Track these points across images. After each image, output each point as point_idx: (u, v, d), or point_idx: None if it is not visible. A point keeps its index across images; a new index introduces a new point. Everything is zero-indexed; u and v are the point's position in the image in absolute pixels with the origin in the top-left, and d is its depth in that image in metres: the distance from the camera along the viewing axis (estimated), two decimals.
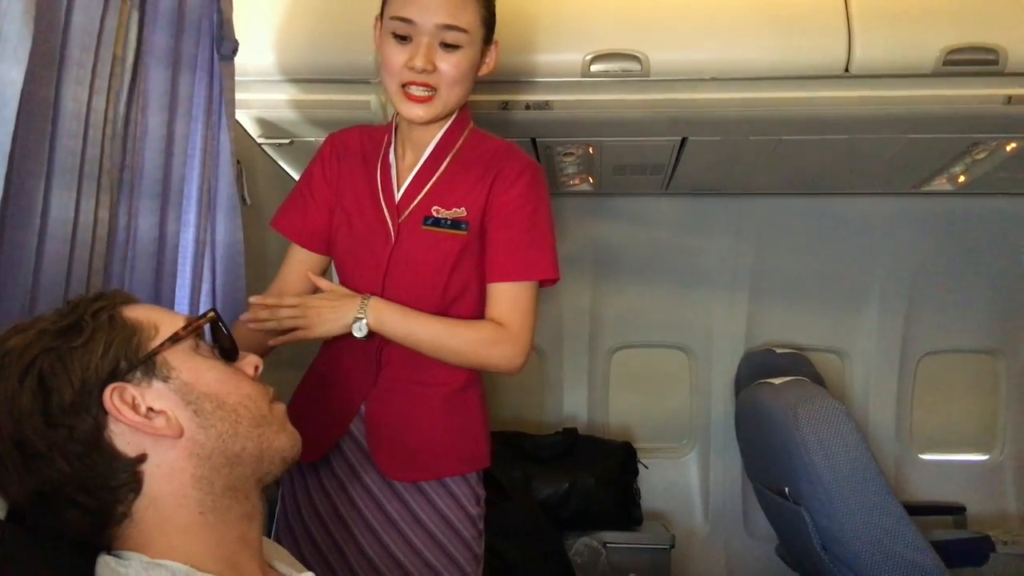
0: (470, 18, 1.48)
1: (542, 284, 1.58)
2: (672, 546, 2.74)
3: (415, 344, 1.47)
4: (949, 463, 3.19)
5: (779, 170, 2.62)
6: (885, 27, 1.93)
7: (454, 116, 1.60)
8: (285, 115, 2.16)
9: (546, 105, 2.09)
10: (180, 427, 0.84)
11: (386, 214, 1.59)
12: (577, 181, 2.79)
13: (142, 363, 0.85)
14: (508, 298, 1.51)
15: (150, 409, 0.83)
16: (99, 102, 1.32)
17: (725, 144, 2.36)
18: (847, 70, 1.94)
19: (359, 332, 1.43)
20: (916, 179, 2.71)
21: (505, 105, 2.10)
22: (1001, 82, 1.97)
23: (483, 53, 1.55)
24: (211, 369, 0.89)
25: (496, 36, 1.60)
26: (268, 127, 2.26)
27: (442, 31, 1.46)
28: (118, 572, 0.81)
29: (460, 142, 1.60)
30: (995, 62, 1.90)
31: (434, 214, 1.55)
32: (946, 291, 3.09)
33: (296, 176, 2.73)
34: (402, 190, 1.59)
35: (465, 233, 1.54)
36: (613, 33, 1.96)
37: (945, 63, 1.91)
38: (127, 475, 0.82)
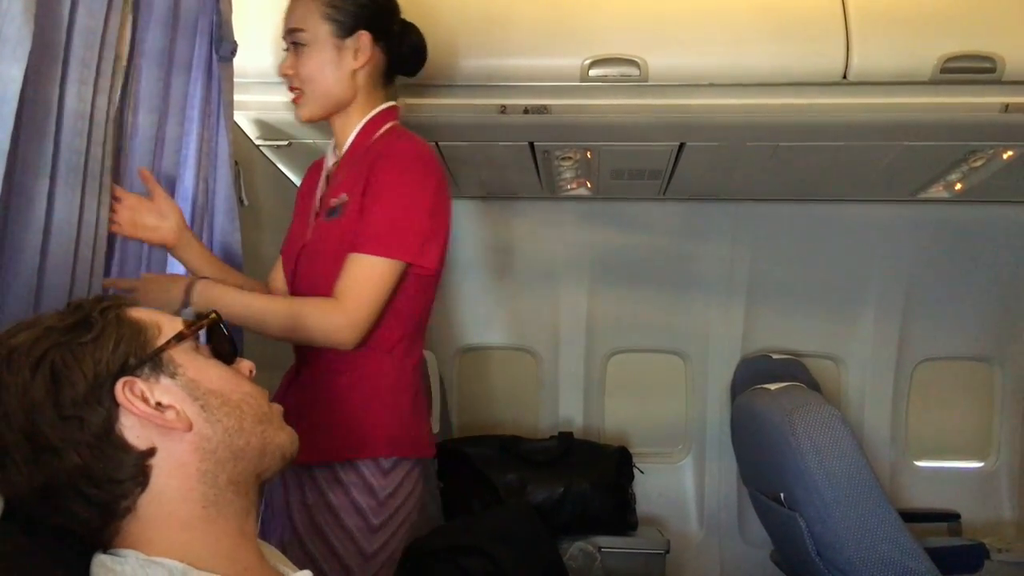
0: (307, 17, 1.60)
1: (417, 272, 1.57)
2: (667, 551, 2.74)
3: (243, 322, 1.49)
4: (944, 470, 3.19)
5: (776, 176, 2.63)
6: (883, 34, 1.94)
7: (370, 116, 1.66)
8: (284, 117, 2.16)
9: (544, 109, 2.10)
10: (189, 420, 0.86)
11: (312, 213, 1.69)
12: (575, 185, 2.79)
13: (150, 359, 0.87)
14: (352, 270, 1.50)
15: (159, 403, 0.85)
16: (102, 101, 1.32)
17: (723, 150, 2.36)
18: (845, 77, 1.95)
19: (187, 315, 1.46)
20: (913, 186, 2.71)
21: (503, 109, 2.10)
22: (998, 90, 1.97)
23: (342, 47, 1.61)
24: (214, 367, 0.92)
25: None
26: (266, 129, 2.26)
27: (291, 35, 1.62)
28: (114, 570, 0.81)
29: (374, 139, 1.64)
30: (992, 70, 1.91)
31: (331, 205, 1.62)
32: (942, 298, 3.10)
33: (294, 178, 2.73)
34: (321, 189, 1.70)
35: (339, 218, 1.57)
36: (612, 38, 1.97)
37: (943, 71, 1.91)
38: (135, 468, 0.83)
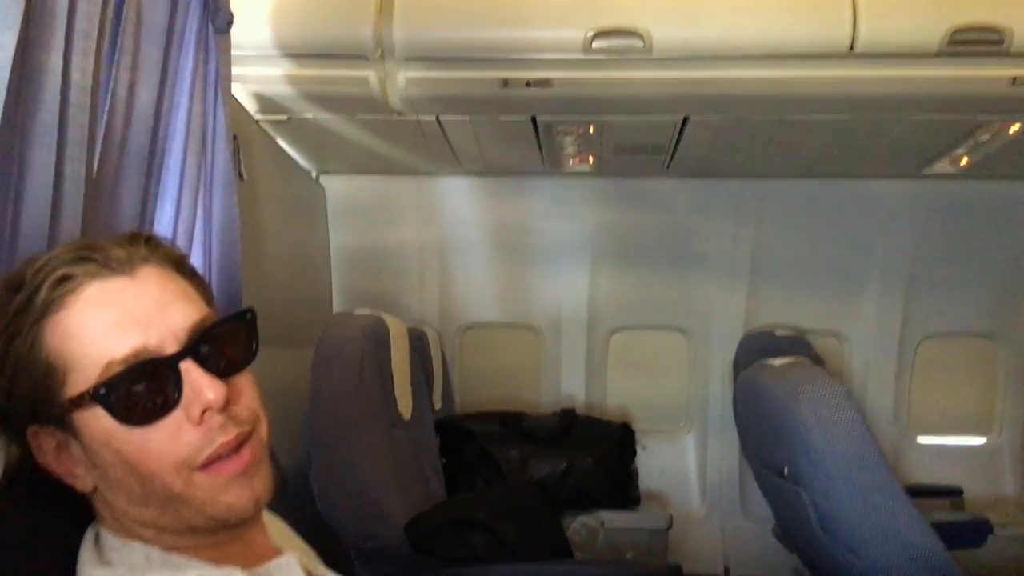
0: None
1: None
2: (669, 526, 2.74)
3: None
4: (947, 446, 3.19)
5: (781, 151, 2.60)
6: (891, 6, 1.91)
7: None
8: (282, 91, 2.14)
9: (547, 83, 2.07)
10: (92, 485, 0.81)
11: None
12: (577, 161, 2.77)
13: (52, 416, 0.78)
14: None
15: (68, 453, 0.80)
16: (102, 73, 1.30)
17: (727, 124, 2.34)
18: (852, 49, 1.92)
19: None
20: (919, 161, 2.69)
21: (505, 83, 2.08)
22: (1006, 63, 1.95)
23: None
24: (114, 437, 0.77)
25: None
26: (265, 103, 2.23)
27: None
28: (95, 549, 0.80)
29: None
30: (1001, 42, 1.89)
31: None
32: (946, 275, 3.08)
33: (294, 154, 2.71)
34: None
35: None
36: (616, 9, 1.94)
37: (950, 43, 1.89)
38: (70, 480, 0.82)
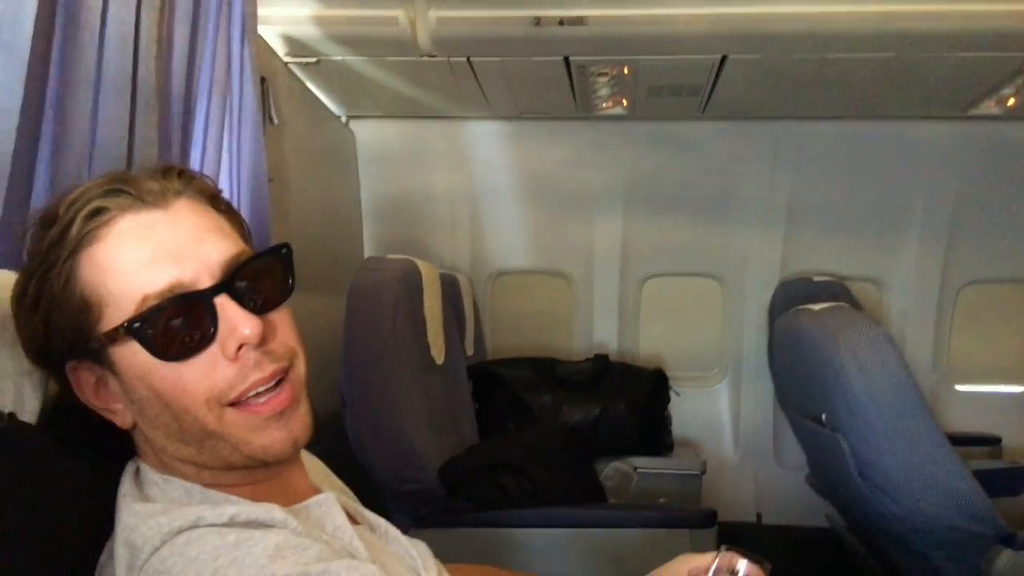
0: None
1: None
2: (703, 472, 2.73)
3: None
4: (985, 394, 3.14)
5: (822, 92, 2.53)
6: None
7: None
8: (311, 32, 2.11)
9: (580, 21, 2.02)
10: (131, 421, 0.80)
11: None
12: (610, 104, 2.71)
13: (90, 350, 0.77)
14: None
15: (107, 389, 0.79)
16: (144, 17, 1.29)
17: (766, 63, 2.27)
18: None
19: None
20: (964, 102, 2.61)
21: (537, 21, 2.03)
22: None
23: None
24: (149, 372, 0.76)
25: None
26: (294, 45, 2.20)
27: None
28: (136, 483, 0.80)
29: None
30: None
31: None
32: (990, 219, 3.00)
33: (323, 98, 2.68)
34: None
35: None
36: None
37: None
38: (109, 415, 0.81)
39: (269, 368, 0.78)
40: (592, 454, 2.57)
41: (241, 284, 0.78)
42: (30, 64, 1.10)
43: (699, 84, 2.48)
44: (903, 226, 3.04)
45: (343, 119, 2.95)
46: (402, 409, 1.94)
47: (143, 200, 0.78)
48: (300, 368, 0.83)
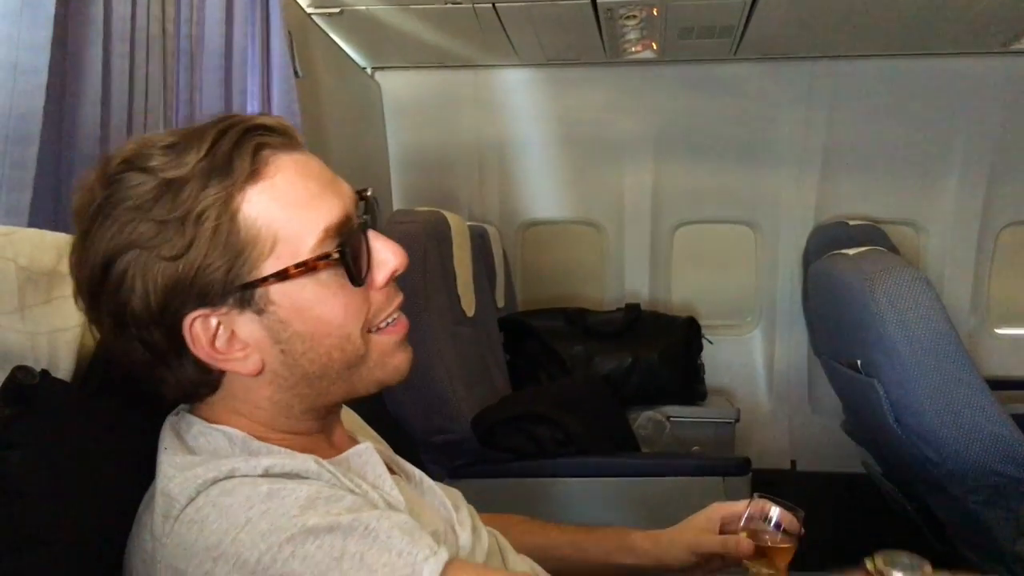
0: None
1: None
2: (737, 420, 2.72)
3: None
4: None
5: (858, 28, 2.45)
6: None
7: None
8: None
9: None
10: (260, 365, 0.79)
11: None
12: (639, 48, 2.66)
13: (238, 291, 0.75)
14: None
15: (233, 335, 0.77)
16: None
17: None
18: None
19: None
20: (1006, 36, 2.52)
21: None
22: None
23: None
24: (317, 304, 0.77)
25: None
26: None
27: None
28: (178, 434, 0.81)
29: None
30: None
31: None
32: None
33: (349, 50, 2.65)
34: None
35: None
36: None
37: None
38: (201, 379, 0.79)
39: (401, 295, 0.85)
40: (625, 403, 2.57)
41: (368, 217, 0.84)
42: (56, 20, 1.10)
43: (731, 24, 2.41)
44: (942, 167, 2.96)
45: (368, 71, 2.92)
46: (434, 361, 1.94)
47: (290, 140, 0.79)
48: None
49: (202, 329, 0.75)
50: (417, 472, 0.96)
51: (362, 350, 0.81)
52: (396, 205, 3.04)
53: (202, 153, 0.73)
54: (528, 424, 2.01)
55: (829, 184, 3.00)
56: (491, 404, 2.11)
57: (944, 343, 1.65)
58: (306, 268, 0.75)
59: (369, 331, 0.81)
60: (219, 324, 0.76)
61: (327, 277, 0.77)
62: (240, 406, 0.81)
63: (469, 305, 2.26)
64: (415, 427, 1.95)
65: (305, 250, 0.75)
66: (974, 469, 1.66)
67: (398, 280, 0.85)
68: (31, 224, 1.06)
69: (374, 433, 1.09)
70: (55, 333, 0.83)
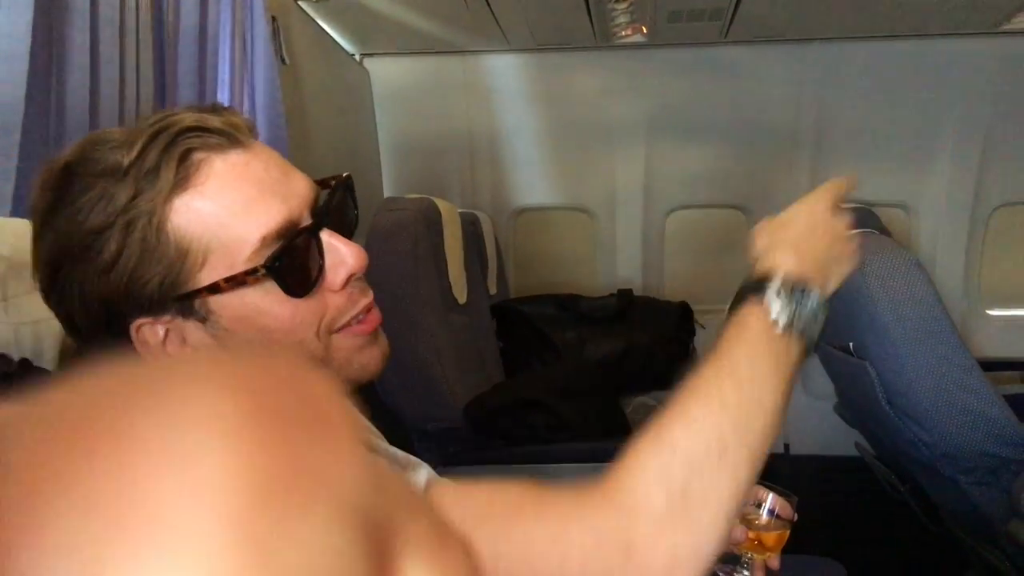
0: None
1: None
2: None
3: None
4: (1017, 318, 3.09)
5: (849, 7, 2.44)
6: None
7: None
8: None
9: None
10: None
11: None
12: (629, 31, 2.65)
13: (174, 303, 0.72)
14: None
15: (184, 341, 0.74)
16: None
17: None
18: None
19: None
20: (998, 15, 2.51)
21: None
22: None
23: None
24: (260, 314, 0.73)
25: None
26: None
27: None
28: None
29: None
30: None
31: None
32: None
33: (337, 36, 2.63)
34: None
35: None
36: None
37: None
38: None
39: (370, 292, 0.81)
40: (618, 389, 2.57)
41: (332, 215, 0.78)
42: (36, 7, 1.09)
43: (721, 6, 2.40)
44: (933, 149, 2.96)
45: (357, 57, 2.90)
46: (426, 349, 1.94)
47: (229, 138, 0.73)
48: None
49: (150, 335, 0.73)
50: (414, 461, 0.94)
51: (321, 353, 0.77)
52: (387, 193, 3.03)
53: (132, 158, 0.69)
54: (521, 410, 2.01)
55: (820, 167, 2.99)
56: (484, 391, 2.11)
57: (936, 325, 1.66)
58: (236, 282, 0.72)
59: (331, 332, 0.77)
60: (167, 331, 0.73)
61: (271, 286, 0.73)
62: None
63: (461, 292, 2.25)
64: (408, 415, 1.95)
65: (241, 260, 0.71)
66: (966, 450, 1.67)
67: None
68: (19, 215, 1.05)
69: (364, 421, 1.08)
70: (39, 323, 0.82)
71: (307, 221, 0.75)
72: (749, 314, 0.79)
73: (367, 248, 1.98)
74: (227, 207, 0.71)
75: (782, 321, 0.77)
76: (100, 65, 1.27)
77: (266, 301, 0.73)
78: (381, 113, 3.01)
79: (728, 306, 0.85)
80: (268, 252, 0.71)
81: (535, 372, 2.65)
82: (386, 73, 2.97)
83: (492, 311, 2.67)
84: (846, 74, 2.89)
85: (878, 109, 2.94)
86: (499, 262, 2.92)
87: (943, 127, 2.93)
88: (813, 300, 0.80)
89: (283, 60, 2.03)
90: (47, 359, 0.82)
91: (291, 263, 0.73)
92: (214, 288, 0.71)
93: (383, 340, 0.83)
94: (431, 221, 2.09)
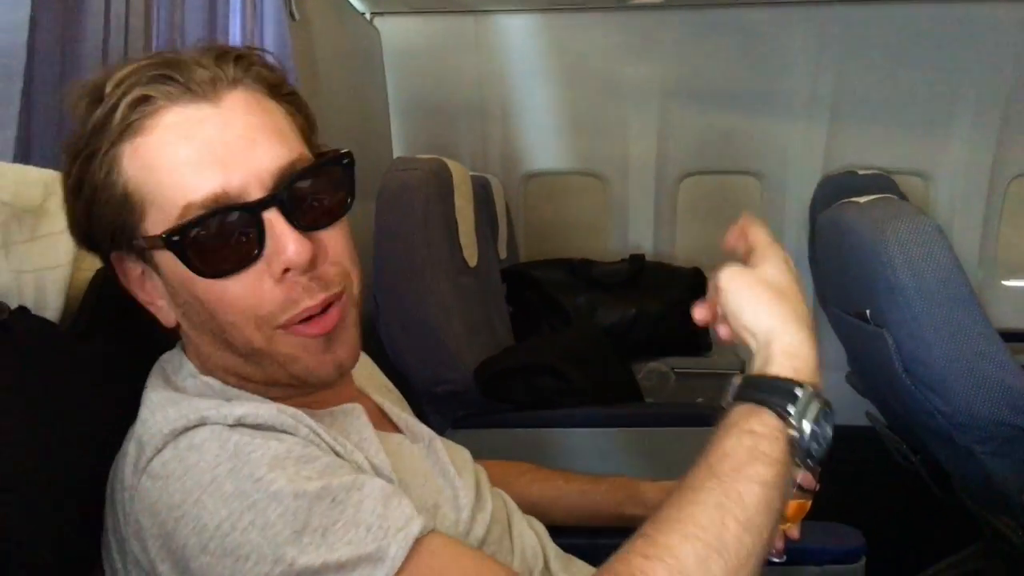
0: None
1: None
2: (742, 371, 2.70)
3: None
4: None
5: None
6: None
7: None
8: None
9: None
10: (173, 321, 0.77)
11: None
12: None
13: (134, 247, 0.73)
14: None
15: (153, 285, 0.76)
16: None
17: None
18: None
19: None
20: None
21: None
22: None
23: None
24: (191, 282, 0.71)
25: None
26: None
27: None
28: (165, 372, 0.79)
29: None
30: None
31: None
32: None
33: None
34: None
35: None
36: None
37: None
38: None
39: (320, 295, 0.73)
40: (629, 355, 2.55)
41: (294, 197, 0.71)
42: None
43: None
44: (953, 116, 2.90)
45: (367, 16, 2.86)
46: (436, 311, 1.92)
47: (192, 91, 0.70)
48: (354, 290, 0.78)
49: (130, 269, 0.75)
50: (427, 433, 0.91)
51: (259, 344, 0.73)
52: (397, 153, 2.99)
53: (109, 91, 0.70)
54: (531, 374, 1.99)
55: (837, 133, 2.95)
56: (493, 355, 2.09)
57: (956, 292, 1.62)
58: (156, 243, 0.70)
59: (273, 327, 0.73)
60: (138, 269, 0.74)
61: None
62: (207, 349, 0.78)
63: (471, 255, 2.23)
64: (417, 377, 1.93)
65: (169, 221, 0.69)
66: (984, 419, 1.64)
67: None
68: (21, 161, 1.04)
69: (385, 381, 1.06)
70: (42, 272, 0.80)
71: (253, 197, 0.69)
72: (764, 435, 0.70)
73: (377, 208, 1.94)
74: (166, 164, 0.69)
75: (815, 451, 0.70)
76: (111, 19, 1.25)
77: (188, 273, 0.70)
78: (391, 73, 2.97)
79: (728, 391, 0.76)
80: (188, 220, 0.68)
81: (545, 337, 2.63)
82: (396, 32, 2.92)
83: (502, 275, 2.64)
84: (865, 38, 2.83)
85: (897, 74, 2.88)
86: (509, 226, 2.89)
87: (962, 94, 2.87)
88: (832, 421, 0.73)
89: (293, 15, 1.99)
90: (51, 309, 0.80)
91: (204, 241, 0.68)
92: (145, 242, 0.71)
93: (343, 350, 0.77)
94: (442, 181, 2.06)
